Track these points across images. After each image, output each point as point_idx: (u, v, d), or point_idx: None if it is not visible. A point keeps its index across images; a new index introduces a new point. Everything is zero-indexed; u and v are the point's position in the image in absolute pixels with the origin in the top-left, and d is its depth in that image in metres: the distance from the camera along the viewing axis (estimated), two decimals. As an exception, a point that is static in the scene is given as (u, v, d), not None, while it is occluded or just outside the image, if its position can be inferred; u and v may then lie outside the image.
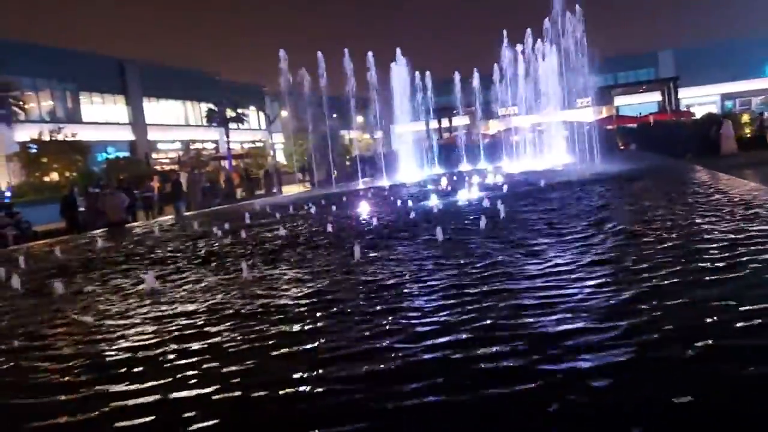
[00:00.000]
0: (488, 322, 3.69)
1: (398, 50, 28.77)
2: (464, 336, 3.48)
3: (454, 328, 3.63)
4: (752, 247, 4.86)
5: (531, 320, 3.62)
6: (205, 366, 3.50)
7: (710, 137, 27.20)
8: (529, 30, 28.01)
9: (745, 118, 34.22)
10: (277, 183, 38.20)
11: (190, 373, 3.40)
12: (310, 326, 4.10)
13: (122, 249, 10.16)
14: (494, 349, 3.18)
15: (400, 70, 29.02)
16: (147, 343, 4.14)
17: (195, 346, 3.92)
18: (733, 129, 27.64)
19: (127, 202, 18.62)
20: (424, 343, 3.43)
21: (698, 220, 6.46)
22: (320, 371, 3.18)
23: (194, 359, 3.65)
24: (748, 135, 30.56)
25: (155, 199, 24.17)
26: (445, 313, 4.00)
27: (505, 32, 28.70)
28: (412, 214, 10.04)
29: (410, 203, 12.29)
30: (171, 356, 3.77)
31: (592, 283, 4.34)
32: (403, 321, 3.97)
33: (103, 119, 48.17)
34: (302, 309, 4.61)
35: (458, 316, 3.89)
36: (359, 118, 74.39)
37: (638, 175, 13.61)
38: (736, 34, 75.23)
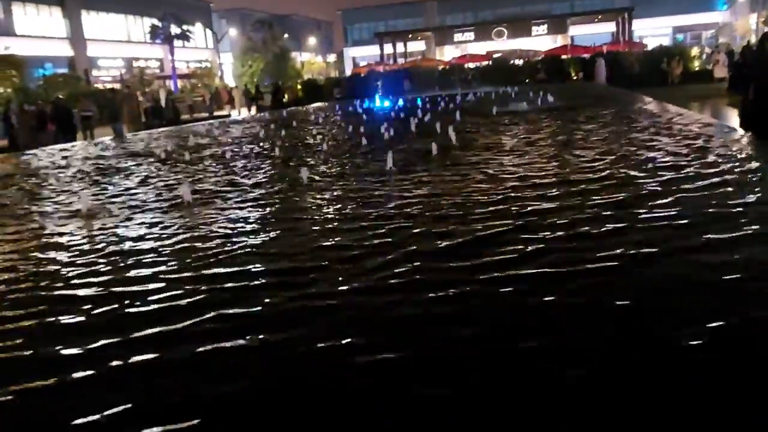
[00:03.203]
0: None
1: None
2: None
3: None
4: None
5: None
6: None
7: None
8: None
9: (694, 51, 34.67)
10: (237, 104, 36.92)
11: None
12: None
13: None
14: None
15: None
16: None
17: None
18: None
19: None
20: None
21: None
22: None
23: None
24: (696, 69, 31.03)
25: (95, 120, 23.01)
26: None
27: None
28: (363, 140, 9.87)
29: (362, 128, 12.08)
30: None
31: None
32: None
33: (38, 32, 45.19)
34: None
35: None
36: (311, 40, 72.44)
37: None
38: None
